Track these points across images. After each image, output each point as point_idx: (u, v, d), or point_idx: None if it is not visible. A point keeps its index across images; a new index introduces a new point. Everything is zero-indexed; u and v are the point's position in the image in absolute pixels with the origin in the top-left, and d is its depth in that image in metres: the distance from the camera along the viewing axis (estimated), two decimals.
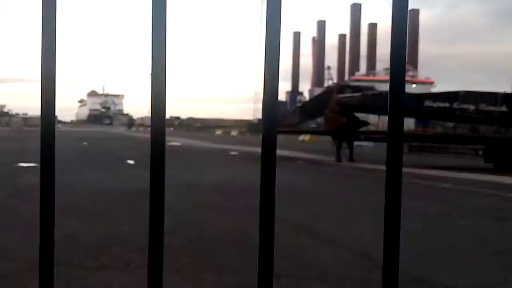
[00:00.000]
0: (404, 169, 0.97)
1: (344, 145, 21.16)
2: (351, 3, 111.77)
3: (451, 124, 26.10)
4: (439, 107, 19.93)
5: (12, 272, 4.65)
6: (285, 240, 6.10)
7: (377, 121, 24.35)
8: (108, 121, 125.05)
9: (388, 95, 1.00)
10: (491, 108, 18.48)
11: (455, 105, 19.32)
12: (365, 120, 23.15)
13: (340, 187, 12.70)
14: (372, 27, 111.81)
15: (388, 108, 0.99)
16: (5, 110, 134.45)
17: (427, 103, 20.23)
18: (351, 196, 10.89)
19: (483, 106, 18.85)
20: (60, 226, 4.98)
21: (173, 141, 35.90)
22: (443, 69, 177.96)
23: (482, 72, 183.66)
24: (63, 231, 6.22)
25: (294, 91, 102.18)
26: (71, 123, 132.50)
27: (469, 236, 6.83)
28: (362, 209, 8.97)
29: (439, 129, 28.00)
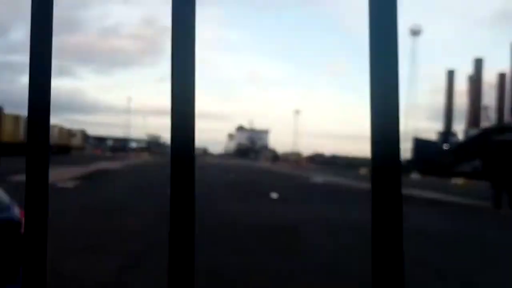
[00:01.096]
0: None
1: (506, 190, 19.12)
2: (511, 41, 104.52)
3: None
4: None
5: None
6: None
7: None
8: (253, 155, 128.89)
9: None
10: None
11: None
12: None
13: (500, 235, 11.37)
14: None
15: None
16: (160, 141, 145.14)
17: None
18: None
19: None
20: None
21: (315, 177, 35.64)
22: None
23: None
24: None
25: (447, 132, 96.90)
26: (220, 156, 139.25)
27: None
28: None
29: None
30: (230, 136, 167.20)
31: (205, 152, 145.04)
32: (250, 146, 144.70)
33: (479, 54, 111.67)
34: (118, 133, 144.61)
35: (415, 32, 71.42)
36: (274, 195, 17.53)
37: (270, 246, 8.11)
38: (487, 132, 25.36)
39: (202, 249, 7.19)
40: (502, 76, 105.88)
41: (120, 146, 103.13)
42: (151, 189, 16.78)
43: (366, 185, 30.09)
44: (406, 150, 60.28)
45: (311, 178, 33.29)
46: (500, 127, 29.00)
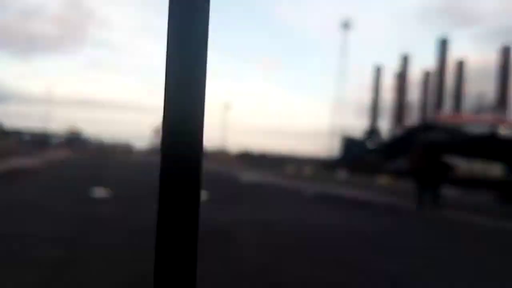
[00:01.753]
0: None
1: (429, 190, 19.01)
2: (438, 38, 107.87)
3: None
4: None
5: None
6: None
7: (466, 166, 21.98)
8: None
9: None
10: None
11: None
12: (452, 164, 20.89)
13: (419, 235, 11.00)
14: (460, 65, 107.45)
15: None
16: (81, 137, 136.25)
17: None
18: (430, 246, 9.32)
19: None
20: None
21: (247, 176, 34.80)
22: None
23: None
24: None
25: (372, 130, 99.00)
26: (146, 153, 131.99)
27: None
28: (446, 262, 7.56)
29: None
30: (157, 131, 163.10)
31: (129, 149, 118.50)
32: None
33: (407, 51, 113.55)
34: (36, 125, 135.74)
35: (346, 25, 71.60)
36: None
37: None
38: (412, 130, 25.40)
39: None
40: (426, 74, 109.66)
41: (41, 140, 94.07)
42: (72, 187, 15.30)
43: (288, 182, 29.70)
44: (334, 147, 60.83)
45: (238, 177, 32.42)
46: (425, 126, 29.33)
